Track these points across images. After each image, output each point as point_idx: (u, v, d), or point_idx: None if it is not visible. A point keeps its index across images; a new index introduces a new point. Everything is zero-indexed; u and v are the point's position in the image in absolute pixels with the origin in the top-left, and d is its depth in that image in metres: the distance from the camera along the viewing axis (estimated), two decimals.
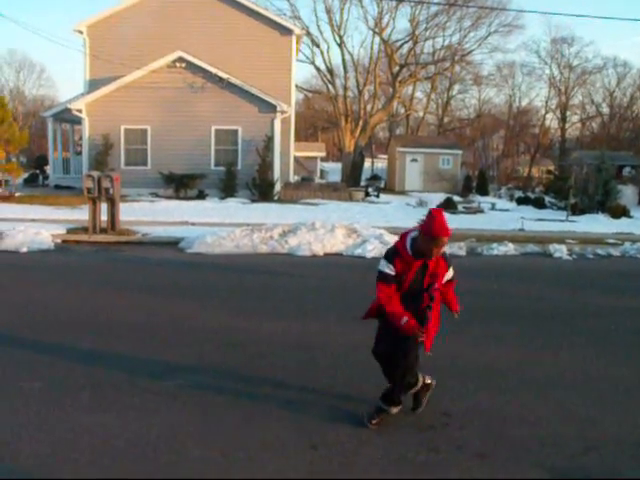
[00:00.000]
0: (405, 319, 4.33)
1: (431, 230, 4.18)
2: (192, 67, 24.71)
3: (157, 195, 24.38)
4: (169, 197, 23.96)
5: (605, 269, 12.72)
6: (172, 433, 4.40)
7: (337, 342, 6.70)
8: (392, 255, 4.40)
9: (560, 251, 14.00)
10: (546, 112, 58.14)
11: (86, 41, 26.14)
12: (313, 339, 6.80)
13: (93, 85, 25.54)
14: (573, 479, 3.95)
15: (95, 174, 14.33)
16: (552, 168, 37.96)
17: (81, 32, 26.10)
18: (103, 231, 14.35)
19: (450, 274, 4.58)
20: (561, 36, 57.94)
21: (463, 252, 13.61)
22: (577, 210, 23.63)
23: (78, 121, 26.10)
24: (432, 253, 4.24)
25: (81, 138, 26.84)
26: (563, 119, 57.92)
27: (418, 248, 4.30)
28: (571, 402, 5.19)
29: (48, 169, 30.50)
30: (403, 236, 4.45)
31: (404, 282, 4.38)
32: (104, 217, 14.48)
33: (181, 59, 24.62)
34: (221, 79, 24.63)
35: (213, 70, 24.59)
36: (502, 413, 4.87)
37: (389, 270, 4.35)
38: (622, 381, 5.76)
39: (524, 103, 59.83)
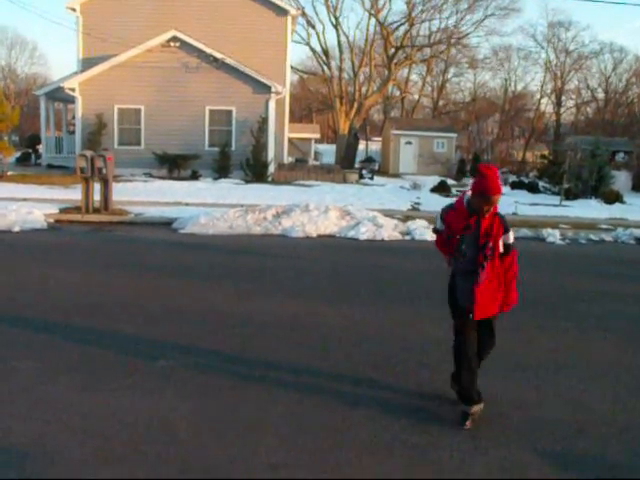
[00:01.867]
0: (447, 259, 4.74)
1: (480, 187, 4.28)
2: (187, 47, 24.49)
3: (150, 175, 24.28)
4: (162, 177, 23.87)
5: (598, 254, 12.77)
6: (165, 413, 4.40)
7: (330, 323, 6.71)
8: (446, 209, 4.57)
9: (553, 236, 14.04)
10: (541, 96, 58.17)
11: (79, 19, 25.87)
12: (306, 320, 6.81)
13: (86, 64, 25.31)
14: (564, 461, 3.99)
15: (88, 154, 14.23)
16: (546, 153, 37.89)
17: (74, 9, 25.83)
18: (96, 211, 14.29)
19: (510, 238, 4.47)
20: (558, 20, 57.71)
21: None
22: (571, 195, 23.65)
23: (71, 100, 25.86)
24: (483, 211, 4.33)
25: (74, 117, 26.64)
26: (558, 104, 57.90)
27: (472, 206, 4.38)
28: (563, 385, 5.23)
29: (40, 148, 30.26)
30: (463, 193, 4.56)
31: (455, 232, 4.46)
32: (97, 197, 14.41)
33: (175, 38, 24.38)
34: (215, 59, 24.44)
35: (208, 50, 24.38)
36: (495, 396, 4.89)
37: (439, 226, 4.64)
38: (613, 365, 5.80)
39: (519, 87, 59.82)
